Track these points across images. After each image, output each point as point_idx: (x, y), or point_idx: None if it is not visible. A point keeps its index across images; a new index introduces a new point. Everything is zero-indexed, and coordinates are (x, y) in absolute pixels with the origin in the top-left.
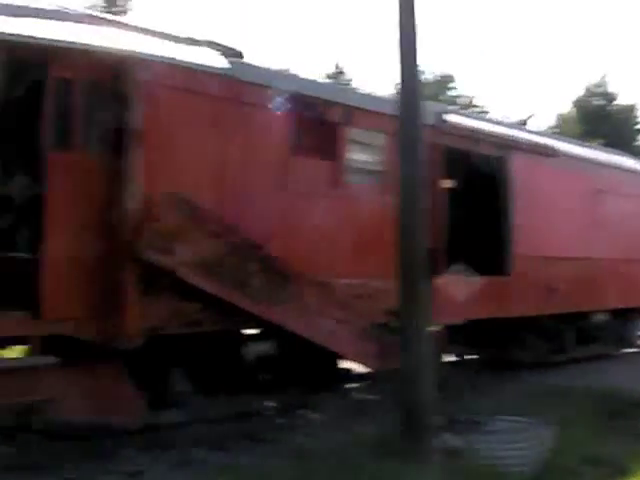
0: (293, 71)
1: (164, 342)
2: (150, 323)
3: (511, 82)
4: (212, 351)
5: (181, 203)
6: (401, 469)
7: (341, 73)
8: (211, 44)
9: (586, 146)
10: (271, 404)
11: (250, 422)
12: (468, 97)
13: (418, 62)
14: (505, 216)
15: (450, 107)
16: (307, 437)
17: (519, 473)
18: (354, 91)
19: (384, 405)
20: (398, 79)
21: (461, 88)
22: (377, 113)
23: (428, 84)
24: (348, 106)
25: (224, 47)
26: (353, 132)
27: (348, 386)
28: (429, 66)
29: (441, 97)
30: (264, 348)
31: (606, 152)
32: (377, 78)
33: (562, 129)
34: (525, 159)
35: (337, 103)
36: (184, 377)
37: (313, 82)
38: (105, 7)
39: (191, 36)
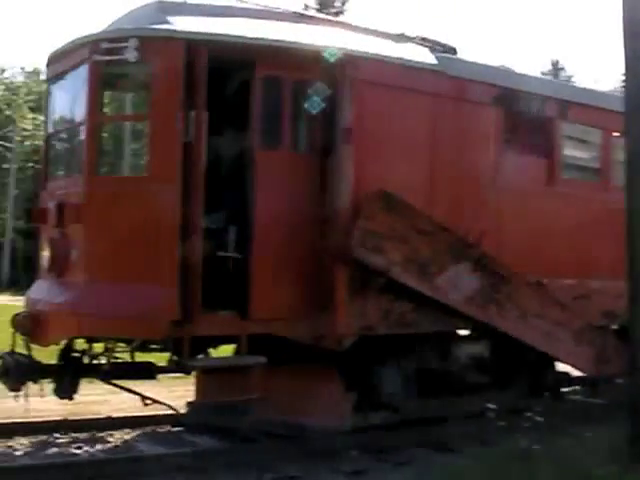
0: (508, 67)
1: (374, 342)
2: (361, 323)
3: None
4: (423, 351)
5: (392, 201)
6: (629, 477)
7: (561, 69)
8: (423, 40)
9: None
10: (491, 406)
11: (471, 424)
12: None
13: None
14: None
15: None
16: (531, 441)
17: None
18: (569, 85)
19: (607, 409)
20: (623, 72)
21: None
22: (593, 108)
23: None
24: (563, 100)
25: (436, 43)
26: (568, 127)
27: (566, 390)
28: None
29: None
30: (477, 349)
31: None
32: (600, 76)
33: None
34: None
35: (551, 97)
36: (394, 378)
37: (526, 76)
38: (319, 9)
39: (403, 33)
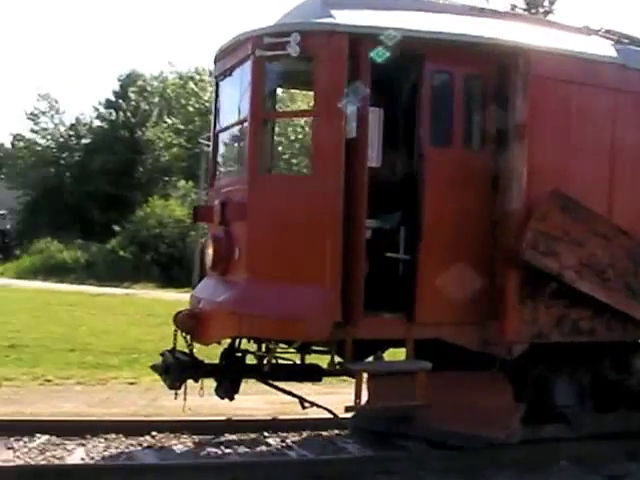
0: None
1: (546, 351)
2: (533, 330)
3: None
4: (599, 362)
5: (567, 203)
6: None
7: None
8: (607, 33)
9: None
10: None
11: None
12: None
13: None
14: None
15: None
16: None
17: None
18: None
19: None
20: None
21: None
22: None
23: None
24: None
25: (623, 35)
26: None
27: None
28: None
29: None
30: None
31: None
32: None
33: None
34: None
35: None
36: (567, 389)
37: None
38: (527, 9)
39: (586, 26)
